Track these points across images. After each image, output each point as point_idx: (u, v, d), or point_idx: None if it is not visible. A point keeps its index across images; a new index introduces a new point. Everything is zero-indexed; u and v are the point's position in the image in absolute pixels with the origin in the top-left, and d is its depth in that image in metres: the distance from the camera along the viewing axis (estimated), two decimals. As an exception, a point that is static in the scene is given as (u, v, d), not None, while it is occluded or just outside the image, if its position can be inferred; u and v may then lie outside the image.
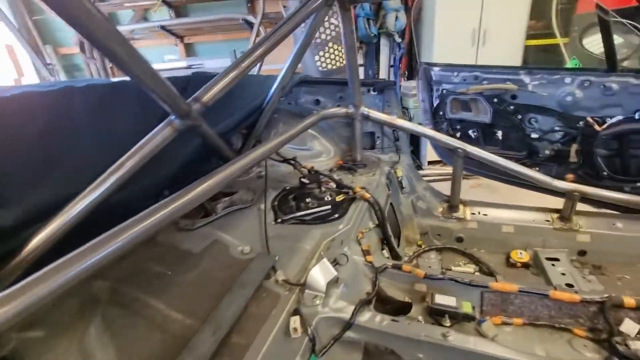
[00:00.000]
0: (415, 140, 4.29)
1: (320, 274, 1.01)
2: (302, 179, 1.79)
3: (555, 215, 1.98)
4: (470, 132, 2.41)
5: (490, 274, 1.86)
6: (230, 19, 3.69)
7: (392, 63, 4.16)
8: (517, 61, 3.66)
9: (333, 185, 1.78)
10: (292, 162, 1.85)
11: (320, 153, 2.16)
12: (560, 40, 2.80)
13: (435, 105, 2.47)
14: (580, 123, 1.94)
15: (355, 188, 1.69)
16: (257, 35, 3.66)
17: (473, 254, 2.01)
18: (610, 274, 1.79)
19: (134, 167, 1.01)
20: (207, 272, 1.18)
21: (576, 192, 1.85)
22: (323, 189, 1.72)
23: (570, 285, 1.67)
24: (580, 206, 1.92)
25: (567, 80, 1.93)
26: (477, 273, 1.92)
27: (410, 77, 4.20)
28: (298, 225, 1.47)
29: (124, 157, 1.01)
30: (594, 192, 1.86)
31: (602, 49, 2.07)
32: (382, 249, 1.71)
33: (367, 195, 1.65)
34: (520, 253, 1.95)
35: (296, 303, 1.00)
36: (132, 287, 1.08)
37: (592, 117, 1.90)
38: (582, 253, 1.90)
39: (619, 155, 1.95)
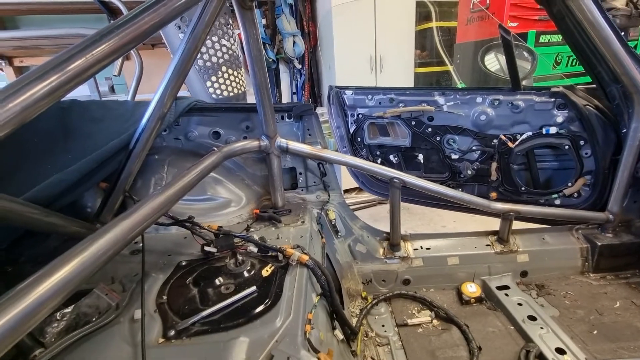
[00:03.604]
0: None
1: None
2: (206, 248, 1.21)
3: (494, 238, 1.89)
4: (391, 157, 2.25)
5: (450, 319, 1.61)
6: (85, 36, 2.81)
7: (294, 90, 3.92)
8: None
9: (253, 248, 1.25)
10: (188, 223, 1.25)
11: (227, 203, 1.60)
12: (450, 67, 3.05)
13: (351, 131, 2.24)
14: (495, 141, 1.94)
15: (286, 249, 1.21)
16: (126, 59, 2.91)
17: (424, 298, 1.74)
18: (554, 291, 1.74)
19: None
20: None
21: (511, 212, 1.78)
22: (240, 258, 1.18)
23: (532, 318, 1.53)
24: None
25: (479, 99, 1.91)
26: (434, 321, 1.64)
27: (314, 104, 4.03)
28: (209, 336, 0.89)
29: None
30: (525, 209, 1.82)
31: (497, 68, 2.19)
32: (334, 328, 1.24)
33: (305, 258, 1.18)
34: (471, 286, 1.77)
35: None
36: None
37: (504, 135, 1.92)
38: (524, 274, 1.83)
39: (532, 170, 2.01)
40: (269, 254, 1.23)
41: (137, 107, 1.44)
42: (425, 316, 1.67)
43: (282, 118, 1.71)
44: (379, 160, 2.27)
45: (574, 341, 1.38)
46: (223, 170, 1.68)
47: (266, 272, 1.11)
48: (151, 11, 0.79)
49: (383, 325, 1.63)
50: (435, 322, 1.64)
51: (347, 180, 3.51)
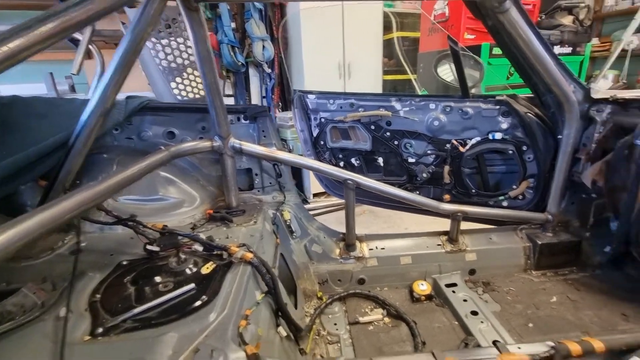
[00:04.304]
0: (297, 172, 4.11)
1: None
2: (148, 246, 1.20)
3: (444, 238, 1.97)
4: (353, 160, 2.31)
5: (399, 316, 1.66)
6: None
7: (264, 94, 3.94)
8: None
9: (199, 247, 1.25)
10: (130, 222, 1.23)
11: (180, 203, 1.59)
12: (411, 76, 3.19)
13: (315, 134, 2.29)
14: (448, 145, 2.03)
15: (231, 247, 1.22)
16: (87, 57, 2.83)
17: (377, 296, 1.79)
18: (498, 288, 1.83)
19: None
20: None
21: (459, 212, 1.87)
22: (183, 256, 1.18)
23: (474, 313, 1.61)
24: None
25: (432, 106, 2.00)
26: (385, 318, 1.69)
27: (285, 108, 4.06)
28: (139, 332, 0.88)
29: None
30: (472, 210, 1.91)
31: (451, 78, 2.30)
32: (278, 325, 1.25)
33: (249, 256, 1.19)
34: (422, 284, 1.84)
35: None
36: None
37: (456, 140, 2.01)
38: (472, 272, 1.91)
39: (482, 173, 2.12)
40: (214, 252, 1.23)
41: (85, 105, 1.42)
42: (377, 314, 1.71)
43: (239, 119, 1.73)
44: (341, 164, 2.31)
45: (510, 334, 1.45)
46: (177, 171, 1.66)
47: (206, 269, 1.11)
48: (88, 2, 0.79)
49: (335, 324, 1.66)
50: (386, 319, 1.69)
51: (315, 184, 3.54)
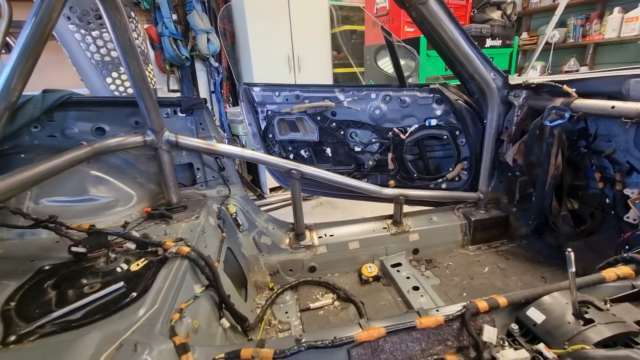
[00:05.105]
0: (254, 167, 4.05)
1: None
2: (73, 248, 1.13)
3: (389, 221, 2.06)
4: (302, 152, 2.33)
5: (348, 298, 1.72)
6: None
7: (212, 89, 3.82)
8: (329, 87, 4.03)
9: (131, 246, 1.20)
10: (51, 223, 1.15)
11: (113, 203, 1.51)
12: (357, 69, 3.27)
13: (263, 127, 2.27)
14: (390, 134, 2.13)
15: (166, 242, 1.18)
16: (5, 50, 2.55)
17: (328, 282, 1.84)
18: (439, 264, 1.96)
19: None
20: None
21: (401, 196, 1.97)
22: (113, 255, 1.12)
23: (416, 288, 1.72)
24: (406, 208, 2.07)
25: (373, 95, 2.08)
26: (335, 302, 1.74)
27: (235, 103, 3.97)
28: (57, 336, 0.83)
29: None
30: (412, 193, 2.02)
31: (392, 70, 2.40)
32: (221, 316, 1.25)
33: (185, 250, 1.16)
34: (370, 267, 1.92)
35: None
36: None
37: (397, 128, 2.11)
38: (415, 251, 2.03)
39: (423, 158, 2.24)
40: (149, 249, 1.19)
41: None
42: (328, 299, 1.76)
43: (175, 113, 1.67)
44: (291, 156, 2.33)
45: (446, 303, 1.57)
46: (110, 168, 1.57)
47: (136, 266, 1.07)
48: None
49: (286, 312, 1.68)
50: (336, 303, 1.74)
51: (271, 178, 3.52)
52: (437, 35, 1.57)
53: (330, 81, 3.98)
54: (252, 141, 2.38)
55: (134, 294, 0.97)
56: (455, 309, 0.90)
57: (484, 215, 2.06)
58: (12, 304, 0.94)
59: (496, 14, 3.52)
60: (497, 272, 1.84)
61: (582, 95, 1.50)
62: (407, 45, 2.20)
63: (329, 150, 2.29)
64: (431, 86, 2.01)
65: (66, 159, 1.08)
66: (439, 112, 2.04)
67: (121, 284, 1.00)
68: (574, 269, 0.82)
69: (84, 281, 1.03)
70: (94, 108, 1.53)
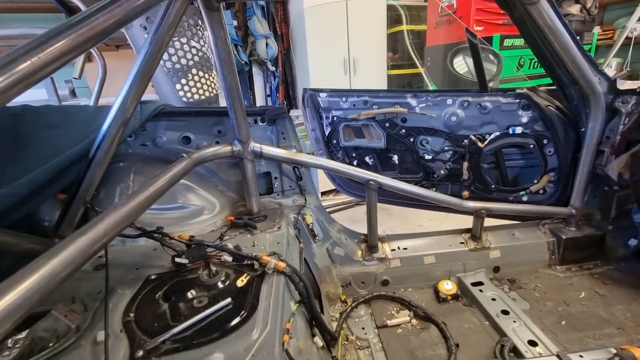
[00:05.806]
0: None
1: None
2: (177, 259, 1.15)
3: (467, 235, 1.94)
4: (366, 158, 2.27)
5: (428, 318, 1.63)
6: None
7: (268, 92, 3.87)
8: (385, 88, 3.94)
9: (228, 258, 1.20)
10: (157, 234, 1.18)
11: (200, 210, 1.54)
12: (421, 70, 3.13)
13: (327, 133, 2.24)
14: (466, 141, 2.00)
15: (262, 256, 1.17)
16: (88, 60, 2.75)
17: (403, 298, 1.76)
18: (524, 285, 1.80)
19: None
20: None
21: (483, 209, 1.84)
22: (214, 268, 1.13)
23: (505, 312, 1.58)
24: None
25: (449, 101, 1.96)
26: (413, 320, 1.66)
27: (289, 107, 3.99)
28: (181, 354, 0.84)
29: None
30: (495, 207, 1.88)
31: (465, 71, 2.26)
32: (313, 335, 1.22)
33: (282, 265, 1.15)
34: (447, 284, 1.81)
35: None
36: None
37: (474, 135, 1.98)
38: (496, 269, 1.89)
39: (501, 168, 2.08)
40: (245, 262, 1.19)
41: (99, 112, 1.36)
42: (404, 316, 1.68)
43: (256, 122, 1.67)
44: (355, 162, 2.28)
45: (544, 332, 1.43)
46: (195, 177, 1.61)
47: (241, 282, 1.07)
48: (107, 10, 0.73)
49: (363, 328, 1.63)
50: (414, 321, 1.66)
51: (324, 183, 3.50)
52: (541, 36, 1.42)
53: (384, 83, 3.88)
54: (314, 147, 2.36)
55: (244, 313, 0.96)
56: (603, 356, 0.79)
57: (577, 233, 1.87)
58: (132, 315, 0.97)
59: (574, 8, 3.21)
60: (596, 298, 1.65)
61: None
62: (491, 48, 2.05)
63: (395, 158, 2.21)
64: (517, 91, 1.86)
65: (175, 172, 1.10)
66: (524, 119, 1.88)
67: (229, 300, 1.00)
68: None
69: (192, 294, 1.04)
70: (183, 118, 1.57)
